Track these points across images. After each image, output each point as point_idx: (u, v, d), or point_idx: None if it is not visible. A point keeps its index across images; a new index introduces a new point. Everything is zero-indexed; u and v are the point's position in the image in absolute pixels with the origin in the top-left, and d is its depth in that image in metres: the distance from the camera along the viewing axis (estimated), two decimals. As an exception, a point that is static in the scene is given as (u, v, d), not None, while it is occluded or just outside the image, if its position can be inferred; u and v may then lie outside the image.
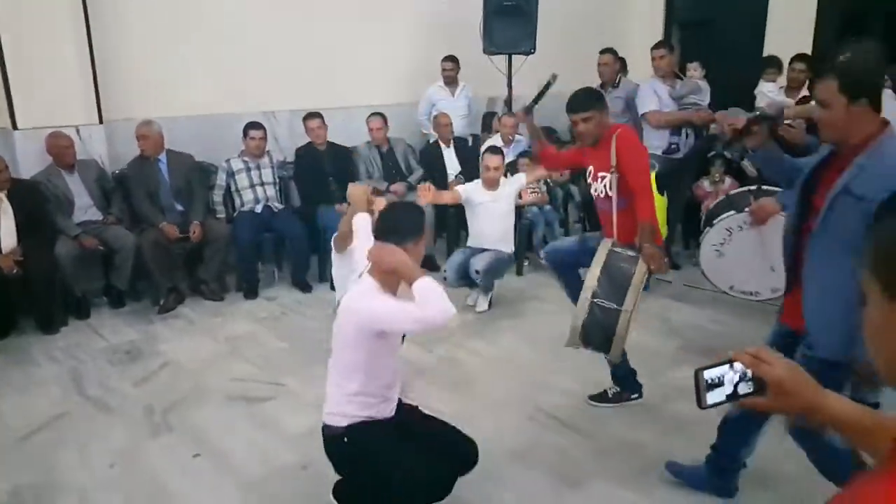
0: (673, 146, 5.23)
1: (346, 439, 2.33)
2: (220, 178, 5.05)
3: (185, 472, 2.88)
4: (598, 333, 2.85)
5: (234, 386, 3.62)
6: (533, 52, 5.95)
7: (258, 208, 5.00)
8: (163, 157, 4.83)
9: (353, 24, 5.93)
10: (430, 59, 6.16)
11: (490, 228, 4.67)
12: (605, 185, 3.06)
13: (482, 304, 4.62)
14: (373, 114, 5.38)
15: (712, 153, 5.44)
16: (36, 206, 4.35)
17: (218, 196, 5.06)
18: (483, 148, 5.20)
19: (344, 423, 2.33)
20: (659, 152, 5.13)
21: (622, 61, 6.03)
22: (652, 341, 4.00)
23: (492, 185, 4.66)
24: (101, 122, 4.83)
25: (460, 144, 5.98)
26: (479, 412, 3.26)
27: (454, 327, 4.29)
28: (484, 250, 4.64)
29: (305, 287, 5.03)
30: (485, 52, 5.98)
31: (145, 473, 2.88)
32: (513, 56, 6.10)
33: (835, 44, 6.15)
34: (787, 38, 6.19)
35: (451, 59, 6.19)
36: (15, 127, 4.51)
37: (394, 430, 2.37)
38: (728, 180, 5.42)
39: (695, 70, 5.19)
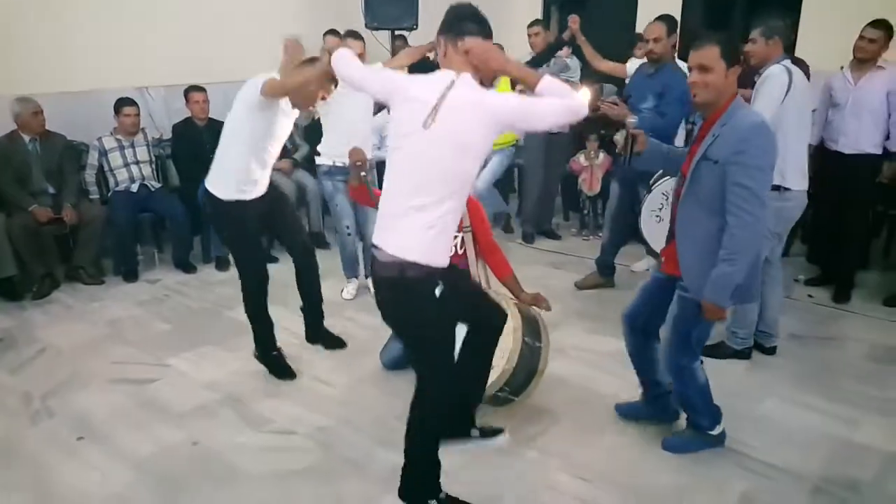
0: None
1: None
2: (93, 158, 4.87)
3: (70, 456, 2.87)
4: (521, 375, 2.96)
5: (117, 369, 3.59)
6: (415, 28, 6.08)
7: (134, 188, 4.87)
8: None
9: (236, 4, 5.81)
10: (312, 33, 6.10)
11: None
12: (461, 245, 3.23)
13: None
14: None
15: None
16: None
17: (90, 176, 4.88)
18: None
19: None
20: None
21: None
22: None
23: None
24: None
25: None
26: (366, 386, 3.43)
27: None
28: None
29: (188, 268, 4.98)
30: (367, 27, 6.03)
31: (27, 460, 2.84)
32: (395, 32, 6.23)
33: (701, 19, 6.73)
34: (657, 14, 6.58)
35: (333, 32, 6.17)
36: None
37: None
38: (602, 155, 5.79)
39: (561, 50, 5.46)
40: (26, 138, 4.57)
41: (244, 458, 2.84)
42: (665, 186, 3.98)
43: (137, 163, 4.93)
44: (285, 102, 3.12)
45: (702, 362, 2.74)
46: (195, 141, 5.08)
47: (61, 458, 2.85)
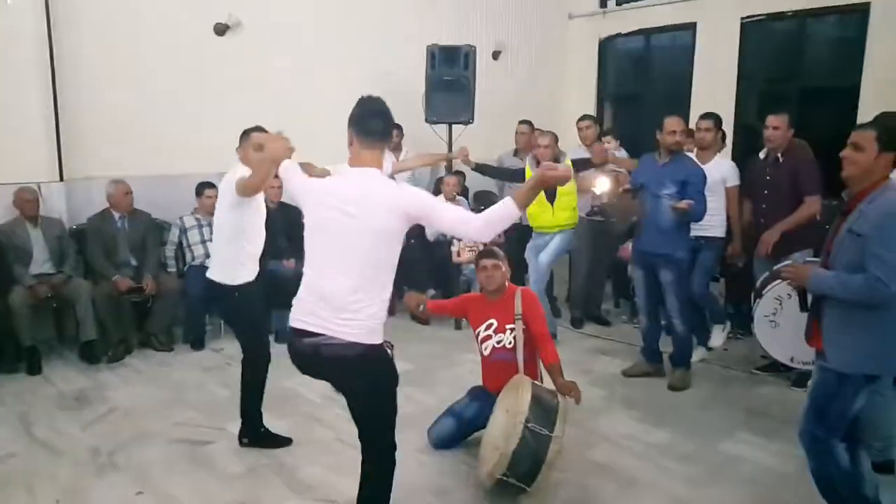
0: (595, 209, 5.74)
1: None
2: (173, 235, 5.34)
3: (129, 509, 3.11)
4: (526, 462, 2.91)
5: (178, 430, 3.86)
6: (471, 122, 6.51)
7: (208, 262, 5.27)
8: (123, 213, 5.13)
9: (302, 93, 6.36)
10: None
11: None
12: (513, 336, 3.45)
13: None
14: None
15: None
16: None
17: (170, 251, 5.35)
18: None
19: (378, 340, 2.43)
20: (583, 214, 5.62)
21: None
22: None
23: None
24: (61, 179, 5.13)
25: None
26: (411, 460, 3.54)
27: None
28: None
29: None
30: (427, 121, 6.51)
31: (91, 510, 3.09)
32: (453, 125, 6.67)
33: (756, 114, 6.95)
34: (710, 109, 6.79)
35: (396, 126, 6.66)
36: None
37: None
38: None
39: (608, 142, 5.75)
40: (116, 215, 5.09)
41: (287, 519, 3.02)
42: (778, 290, 3.71)
43: (203, 241, 5.36)
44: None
45: (849, 448, 2.64)
46: (266, 221, 5.48)
47: (121, 509, 3.10)
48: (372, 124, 2.44)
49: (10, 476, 3.35)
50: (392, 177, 4.93)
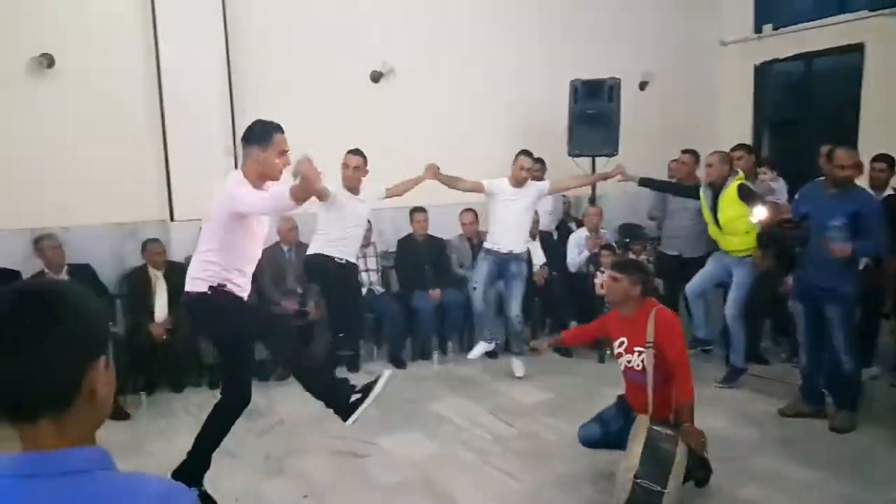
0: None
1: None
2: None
3: (295, 510, 3.44)
4: None
5: (337, 442, 4.19)
6: (615, 154, 6.52)
7: (363, 291, 5.69)
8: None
9: (450, 131, 6.70)
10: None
11: (513, 221, 5.22)
12: (641, 360, 3.28)
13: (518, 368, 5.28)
14: (465, 209, 6.03)
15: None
16: (183, 283, 5.19)
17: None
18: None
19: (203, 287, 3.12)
20: None
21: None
22: (729, 429, 4.22)
23: (520, 183, 5.21)
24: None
25: (545, 237, 6.50)
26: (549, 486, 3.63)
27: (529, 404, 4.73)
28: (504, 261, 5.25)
29: (400, 363, 5.63)
30: (570, 154, 6.61)
31: (261, 508, 3.46)
32: (596, 158, 6.72)
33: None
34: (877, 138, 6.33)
35: (539, 160, 6.80)
36: (172, 219, 5.47)
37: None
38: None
39: (764, 174, 5.53)
40: (285, 248, 5.62)
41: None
42: None
43: (368, 270, 5.78)
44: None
45: None
46: (415, 253, 5.86)
47: (289, 510, 3.43)
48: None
49: (195, 475, 3.80)
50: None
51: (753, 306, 5.57)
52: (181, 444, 4.12)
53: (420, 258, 5.93)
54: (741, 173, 4.97)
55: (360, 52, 6.41)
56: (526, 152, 5.31)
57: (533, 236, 6.32)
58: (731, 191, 4.82)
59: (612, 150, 6.51)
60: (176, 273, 5.19)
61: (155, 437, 4.34)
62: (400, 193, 5.17)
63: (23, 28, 5.04)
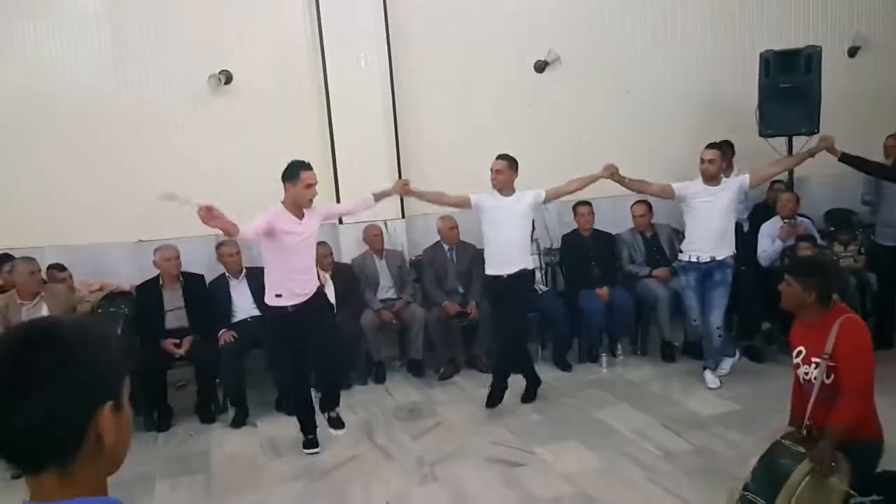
0: None
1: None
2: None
3: (442, 519, 3.33)
4: None
5: (493, 449, 4.02)
6: (816, 132, 5.68)
7: (525, 290, 5.48)
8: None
9: (623, 115, 6.29)
10: (702, 145, 6.18)
11: (712, 226, 4.62)
12: (816, 371, 2.79)
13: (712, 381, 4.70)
14: (637, 201, 5.58)
15: None
16: (350, 283, 5.37)
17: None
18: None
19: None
20: None
21: None
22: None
23: (711, 179, 4.64)
24: (403, 216, 5.83)
25: (736, 229, 5.83)
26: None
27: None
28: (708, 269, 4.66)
29: (565, 366, 5.33)
30: (760, 134, 5.88)
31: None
32: (793, 137, 5.91)
33: None
34: None
35: (727, 144, 6.14)
36: (340, 222, 5.66)
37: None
38: None
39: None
40: (446, 247, 5.59)
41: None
42: None
43: (530, 268, 5.55)
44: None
45: None
46: (580, 250, 5.54)
47: (436, 519, 3.33)
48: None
49: (352, 474, 3.85)
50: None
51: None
52: (344, 442, 4.25)
53: (586, 254, 5.58)
54: None
55: (524, 41, 6.18)
56: (713, 145, 4.78)
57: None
58: None
59: (811, 128, 5.67)
60: (342, 275, 5.36)
61: (321, 433, 4.37)
62: (571, 191, 4.78)
63: (202, 47, 5.48)
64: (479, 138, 5.93)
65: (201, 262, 5.24)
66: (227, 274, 5.12)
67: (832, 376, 2.74)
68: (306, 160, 3.92)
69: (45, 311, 4.52)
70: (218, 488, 3.85)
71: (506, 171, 4.54)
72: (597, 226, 5.66)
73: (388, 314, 5.36)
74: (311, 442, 4.16)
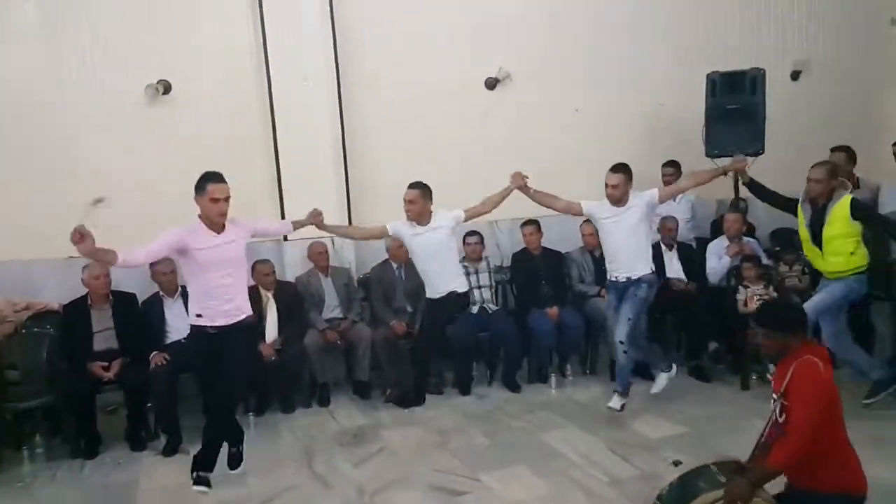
0: None
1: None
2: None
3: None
4: None
5: (437, 477, 3.88)
6: (761, 153, 5.75)
7: (474, 309, 5.36)
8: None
9: (575, 133, 6.27)
10: (650, 164, 6.20)
11: (622, 245, 4.51)
12: (774, 411, 2.74)
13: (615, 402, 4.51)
14: (586, 220, 5.53)
15: None
16: (294, 302, 5.18)
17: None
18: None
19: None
20: None
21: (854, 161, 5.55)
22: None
23: (617, 202, 4.47)
24: (350, 230, 5.68)
25: (683, 249, 5.86)
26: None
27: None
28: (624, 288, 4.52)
29: (515, 387, 5.23)
30: (707, 155, 5.92)
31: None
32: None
33: None
34: None
35: (672, 164, 6.18)
36: (285, 238, 5.47)
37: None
38: None
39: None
40: (394, 265, 5.46)
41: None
42: None
43: (479, 287, 5.44)
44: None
45: None
46: (530, 268, 5.47)
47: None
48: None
49: (288, 507, 3.66)
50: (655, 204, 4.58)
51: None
52: (281, 471, 4.07)
53: (536, 273, 5.52)
54: (850, 187, 4.39)
55: (474, 58, 6.13)
56: (618, 167, 4.53)
57: (669, 246, 5.72)
58: (841, 207, 4.23)
59: (756, 149, 5.74)
60: (285, 293, 5.18)
61: (257, 462, 4.17)
62: (488, 210, 4.67)
63: (140, 55, 5.26)
64: (429, 153, 5.85)
65: (134, 280, 4.98)
66: (161, 293, 4.89)
67: (783, 415, 2.67)
68: (218, 171, 3.65)
69: (-39, 333, 4.23)
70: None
71: (419, 201, 4.49)
72: (546, 244, 5.60)
73: (333, 334, 5.19)
74: (201, 479, 3.67)
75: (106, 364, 4.57)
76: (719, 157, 5.94)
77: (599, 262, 5.62)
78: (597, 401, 4.89)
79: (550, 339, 5.34)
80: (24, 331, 4.68)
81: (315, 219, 4.40)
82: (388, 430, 4.64)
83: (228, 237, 3.67)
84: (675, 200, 5.91)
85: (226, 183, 3.63)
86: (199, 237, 3.58)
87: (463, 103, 6.10)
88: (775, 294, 5.08)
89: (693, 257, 5.79)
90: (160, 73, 5.25)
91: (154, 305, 4.88)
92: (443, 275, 4.60)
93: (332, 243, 5.55)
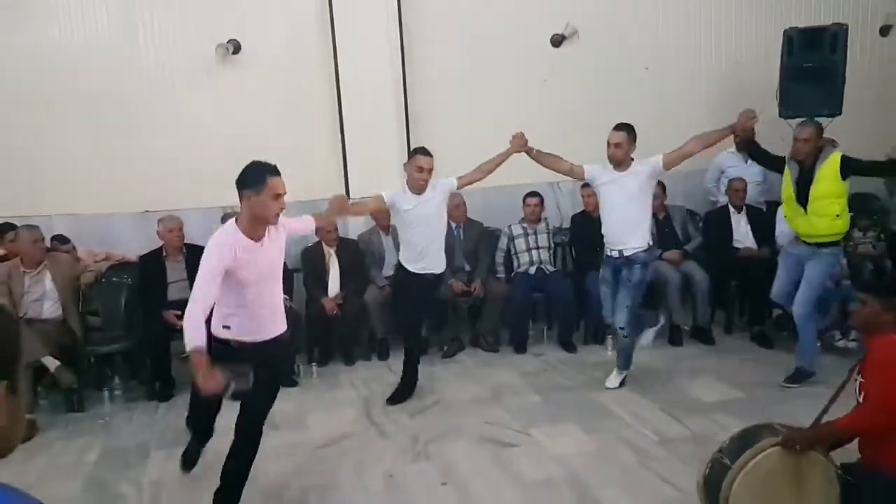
0: None
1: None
2: (502, 242, 5.58)
3: (430, 495, 3.32)
4: (714, 495, 2.60)
5: (488, 429, 3.98)
6: (838, 114, 5.49)
7: (532, 270, 5.39)
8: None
9: (642, 94, 6.11)
10: (722, 124, 5.97)
11: (619, 213, 4.22)
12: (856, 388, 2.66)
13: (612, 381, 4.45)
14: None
15: None
16: (355, 259, 5.33)
17: (499, 258, 5.59)
18: None
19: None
20: None
21: None
22: None
23: (619, 165, 4.20)
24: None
25: (753, 212, 5.69)
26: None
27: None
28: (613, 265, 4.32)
29: (570, 347, 5.27)
30: (781, 116, 5.69)
31: (401, 492, 3.38)
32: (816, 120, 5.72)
33: None
34: None
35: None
36: (349, 197, 5.60)
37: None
38: None
39: None
40: (453, 225, 5.49)
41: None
42: None
43: (538, 248, 5.47)
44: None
45: None
46: (589, 231, 5.42)
47: (424, 496, 3.33)
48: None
49: (345, 450, 3.84)
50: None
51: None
52: (341, 419, 4.26)
53: (595, 236, 5.45)
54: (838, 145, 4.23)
55: (540, 14, 6.03)
56: (619, 126, 4.26)
57: (737, 209, 5.55)
58: (830, 164, 4.08)
59: (833, 109, 5.48)
60: (347, 250, 5.33)
61: (318, 409, 4.45)
62: (481, 177, 4.39)
63: (212, 14, 5.43)
64: (492, 115, 5.82)
65: (206, 234, 5.19)
66: (232, 246, 5.11)
67: (862, 394, 2.62)
68: (272, 162, 2.91)
69: (48, 280, 4.57)
70: (212, 458, 3.84)
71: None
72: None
73: (390, 290, 5.32)
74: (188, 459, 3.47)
75: (179, 313, 4.79)
76: (793, 117, 5.70)
77: (662, 225, 5.56)
78: (653, 364, 4.87)
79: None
80: (104, 280, 4.99)
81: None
82: (443, 384, 4.76)
83: (270, 245, 2.98)
84: (745, 162, 5.72)
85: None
86: (238, 251, 2.82)
87: (529, 61, 6.03)
88: (844, 261, 4.90)
89: (763, 221, 5.62)
90: (231, 33, 5.40)
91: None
92: (430, 249, 4.33)
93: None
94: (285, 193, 2.89)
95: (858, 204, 5.86)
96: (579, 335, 5.43)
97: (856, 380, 2.69)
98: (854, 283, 4.13)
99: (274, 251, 3.01)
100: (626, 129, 4.22)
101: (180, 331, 4.76)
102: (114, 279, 4.99)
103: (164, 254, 4.97)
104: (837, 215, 4.17)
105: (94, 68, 5.35)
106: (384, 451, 3.81)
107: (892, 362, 2.52)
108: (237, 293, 2.90)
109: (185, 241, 5.01)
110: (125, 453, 3.99)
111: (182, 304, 4.85)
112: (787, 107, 5.66)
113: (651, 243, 4.35)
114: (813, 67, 5.53)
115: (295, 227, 3.40)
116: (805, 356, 4.35)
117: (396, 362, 5.20)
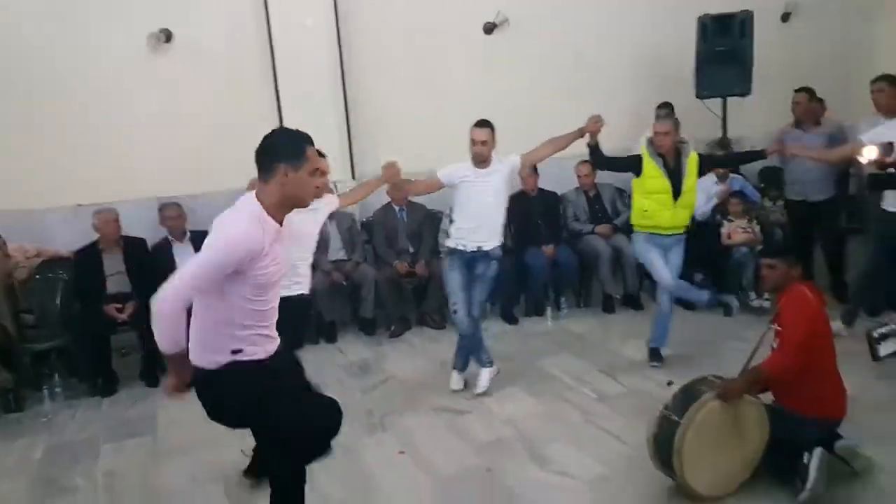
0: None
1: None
2: (445, 223, 5.70)
3: (390, 465, 3.47)
4: (665, 449, 2.87)
5: (439, 400, 4.16)
6: (748, 94, 5.92)
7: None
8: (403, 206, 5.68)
9: (570, 78, 6.38)
10: (644, 106, 6.31)
11: (487, 211, 4.08)
12: (771, 336, 3.09)
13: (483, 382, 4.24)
14: (581, 161, 5.69)
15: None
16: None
17: (443, 238, 5.71)
18: None
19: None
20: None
21: (820, 101, 5.71)
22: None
23: (482, 162, 4.04)
24: (353, 178, 5.82)
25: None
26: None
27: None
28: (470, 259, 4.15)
29: (512, 320, 5.52)
30: (697, 96, 6.08)
31: (357, 460, 3.51)
32: (727, 99, 6.13)
33: None
34: None
35: (666, 105, 6.30)
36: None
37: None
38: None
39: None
40: (396, 208, 5.65)
41: (525, 488, 3.14)
42: None
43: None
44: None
45: None
46: (527, 209, 5.66)
47: (383, 465, 3.47)
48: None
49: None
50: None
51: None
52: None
53: (532, 213, 5.72)
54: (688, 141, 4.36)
55: (471, 2, 6.21)
56: (481, 122, 4.07)
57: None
58: (693, 160, 4.24)
59: (744, 90, 5.92)
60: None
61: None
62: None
63: (144, 4, 5.35)
64: (429, 100, 5.97)
65: (142, 225, 5.17)
66: (169, 237, 5.08)
67: (777, 340, 3.02)
68: (304, 131, 2.41)
69: (-23, 278, 4.43)
70: (166, 448, 3.86)
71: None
72: (542, 185, 5.79)
73: (338, 275, 5.41)
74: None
75: (119, 306, 4.76)
76: (709, 97, 6.12)
77: (593, 202, 5.86)
78: (589, 331, 5.17)
79: (546, 275, 5.57)
80: (37, 276, 4.88)
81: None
82: (392, 362, 4.90)
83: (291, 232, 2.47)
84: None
85: None
86: (266, 240, 2.21)
87: (462, 48, 6.19)
88: (758, 227, 5.31)
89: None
90: (164, 21, 5.34)
91: (163, 249, 5.08)
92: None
93: (336, 188, 5.70)
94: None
95: (768, 176, 6.35)
96: (520, 308, 5.68)
97: (770, 328, 3.06)
98: (765, 249, 4.47)
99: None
100: (489, 125, 4.07)
101: (121, 324, 4.79)
102: (48, 275, 4.88)
103: (100, 247, 4.89)
104: (691, 206, 4.37)
105: (18, 58, 5.16)
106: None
107: (799, 303, 2.95)
108: (249, 301, 2.24)
109: (122, 234, 4.94)
110: (73, 449, 3.95)
111: (121, 298, 4.86)
112: (703, 87, 6.06)
113: (502, 240, 4.27)
114: (725, 51, 5.94)
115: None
116: (709, 295, 4.70)
117: (345, 344, 5.33)
